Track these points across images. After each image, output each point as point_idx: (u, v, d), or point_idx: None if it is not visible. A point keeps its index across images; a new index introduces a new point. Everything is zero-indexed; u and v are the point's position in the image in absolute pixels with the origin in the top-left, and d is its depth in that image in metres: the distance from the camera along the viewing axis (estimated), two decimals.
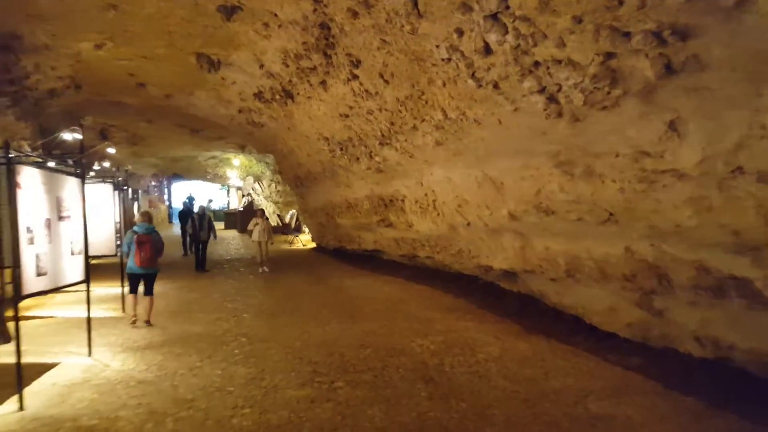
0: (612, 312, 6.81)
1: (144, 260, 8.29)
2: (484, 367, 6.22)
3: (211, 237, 15.37)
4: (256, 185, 30.03)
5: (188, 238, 17.75)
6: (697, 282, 5.10)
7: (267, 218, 15.89)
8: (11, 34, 8.73)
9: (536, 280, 8.17)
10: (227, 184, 38.61)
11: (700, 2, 3.21)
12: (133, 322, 8.40)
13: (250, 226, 15.25)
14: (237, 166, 30.17)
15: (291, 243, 22.86)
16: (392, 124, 7.83)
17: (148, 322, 8.44)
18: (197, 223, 14.92)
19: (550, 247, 6.89)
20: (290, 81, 9.45)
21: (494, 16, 4.32)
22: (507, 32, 4.32)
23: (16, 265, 5.04)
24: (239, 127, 14.79)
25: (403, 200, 10.13)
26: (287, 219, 27.43)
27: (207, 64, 10.05)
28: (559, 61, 4.26)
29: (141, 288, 8.47)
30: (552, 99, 4.67)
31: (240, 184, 34.60)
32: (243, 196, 35.31)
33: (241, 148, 22.87)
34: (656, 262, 5.43)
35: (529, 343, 7.15)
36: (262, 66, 9.54)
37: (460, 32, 4.75)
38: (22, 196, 5.16)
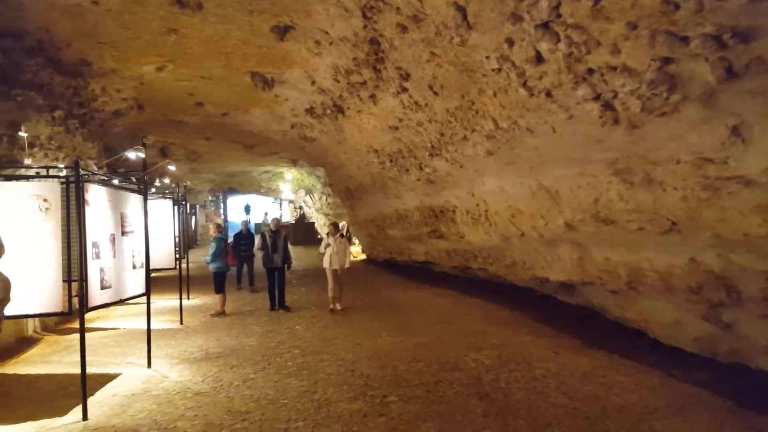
0: (677, 326, 6.51)
1: (237, 261, 10.89)
2: (542, 383, 6.04)
3: (289, 263, 11.02)
4: (308, 198, 30.56)
5: (245, 264, 13.79)
6: None
7: (343, 235, 11.26)
8: (83, 60, 9.27)
9: (596, 293, 7.91)
10: (280, 198, 39.44)
11: (763, 3, 3.06)
12: (221, 315, 10.25)
13: (321, 248, 10.82)
14: (289, 180, 30.83)
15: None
16: (442, 135, 7.81)
17: (222, 313, 10.28)
18: (269, 243, 10.69)
19: (610, 257, 6.67)
20: (341, 96, 9.59)
21: (545, 25, 4.26)
22: (559, 40, 4.25)
23: (83, 278, 5.27)
24: (292, 141, 15.10)
25: (453, 211, 10.06)
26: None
27: (261, 82, 10.35)
28: (614, 68, 4.15)
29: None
30: (608, 106, 4.54)
31: (292, 197, 35.29)
32: (295, 208, 35.97)
33: (293, 162, 23.35)
34: (724, 273, 5.17)
35: (589, 358, 6.91)
36: (313, 82, 9.73)
37: (511, 42, 4.70)
38: (89, 212, 5.42)
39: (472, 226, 9.46)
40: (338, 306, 10.56)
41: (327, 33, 7.57)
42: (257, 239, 11.05)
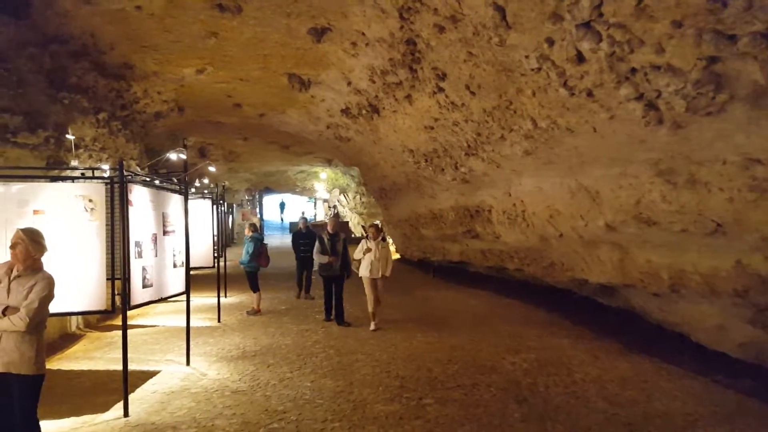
0: (721, 330, 6.31)
1: (268, 261, 10.79)
2: (582, 388, 5.94)
3: (348, 272, 9.66)
4: (342, 197, 30.75)
5: (305, 271, 12.36)
6: None
7: (386, 239, 9.44)
8: (126, 64, 9.55)
9: (637, 295, 7.73)
10: (314, 197, 39.81)
11: None
12: (257, 313, 10.39)
13: (357, 253, 9.16)
14: (324, 179, 31.10)
15: None
16: (478, 134, 7.74)
17: (258, 312, 10.41)
18: (327, 248, 9.39)
19: (652, 260, 6.50)
20: (376, 96, 9.61)
21: (587, 25, 4.17)
22: (601, 40, 4.15)
23: (126, 277, 5.42)
24: (327, 141, 15.21)
25: (489, 211, 9.96)
26: None
27: (298, 83, 10.46)
28: (658, 67, 4.03)
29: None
30: (651, 106, 4.43)
31: (326, 196, 35.57)
32: (329, 207, 36.25)
33: (328, 162, 23.54)
34: None
35: (630, 363, 6.77)
36: (349, 83, 9.77)
37: (551, 42, 4.62)
38: (132, 212, 5.57)
39: (508, 227, 9.34)
40: (374, 324, 8.99)
41: (363, 34, 7.59)
42: (317, 244, 9.53)
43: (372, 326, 8.96)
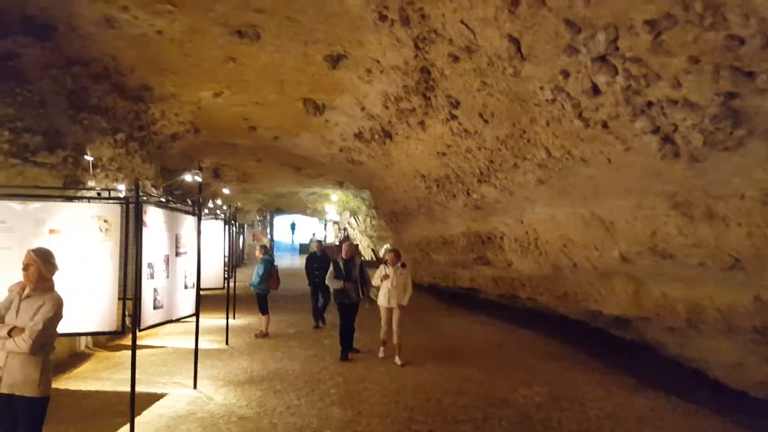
0: (740, 367, 6.16)
1: (278, 283, 10.78)
2: (596, 425, 5.80)
3: (365, 297, 9.02)
4: (352, 220, 30.79)
5: (321, 298, 11.54)
6: None
7: (405, 265, 8.89)
8: (144, 86, 9.71)
9: (652, 328, 7.59)
10: (325, 219, 39.91)
11: None
12: (265, 336, 10.38)
13: (375, 280, 8.67)
14: (335, 201, 31.19)
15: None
16: (491, 162, 7.74)
17: (266, 335, 10.38)
18: (342, 272, 8.79)
19: (668, 293, 6.40)
20: (389, 122, 9.67)
21: (602, 58, 4.18)
22: (617, 73, 4.15)
23: (137, 298, 5.42)
24: (339, 165, 15.29)
25: (501, 238, 9.90)
26: (382, 253, 27.74)
27: (313, 108, 10.57)
28: (675, 102, 4.02)
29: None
30: (667, 139, 4.40)
31: (337, 218, 35.64)
32: (339, 230, 36.29)
33: (340, 185, 23.64)
34: None
35: (646, 399, 6.62)
36: (363, 108, 9.86)
37: (566, 74, 4.63)
38: (146, 233, 5.59)
39: (520, 254, 9.27)
40: (398, 360, 8.30)
41: (378, 62, 7.68)
42: (330, 269, 8.92)
43: (381, 353, 8.67)
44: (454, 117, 7.49)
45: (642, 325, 7.85)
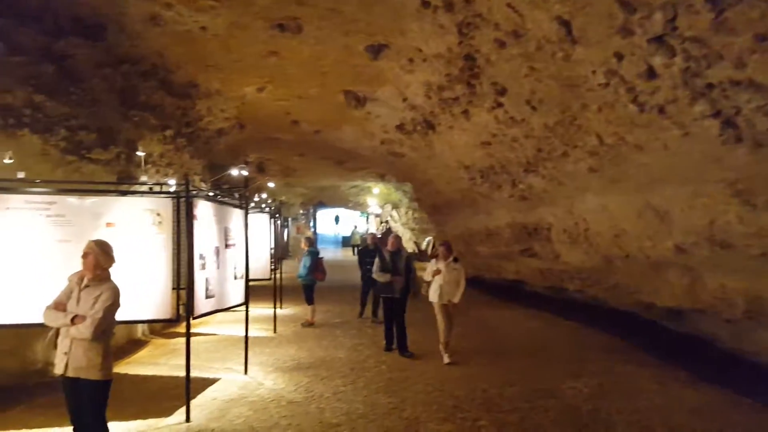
0: None
1: (324, 275, 10.99)
2: (646, 417, 5.64)
3: (411, 291, 8.73)
4: (394, 212, 30.80)
5: (369, 290, 11.09)
6: None
7: (457, 259, 8.41)
8: (191, 83, 9.94)
9: (707, 321, 7.32)
10: (367, 212, 40.06)
11: None
12: (311, 325, 10.55)
13: (427, 275, 8.21)
14: (376, 194, 31.24)
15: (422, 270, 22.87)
16: (539, 150, 7.58)
17: (312, 324, 10.54)
18: (389, 265, 8.46)
19: (726, 284, 6.15)
20: (432, 112, 9.60)
21: (659, 39, 4.02)
22: (674, 55, 4.00)
23: (190, 287, 5.58)
24: (380, 157, 15.30)
25: (549, 229, 9.70)
26: (423, 246, 27.67)
27: (354, 100, 10.59)
28: (738, 83, 3.84)
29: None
30: (729, 123, 4.21)
31: (379, 211, 35.72)
32: (381, 222, 36.36)
33: (381, 177, 23.64)
34: None
35: (699, 393, 6.39)
36: (405, 99, 9.81)
37: (620, 56, 4.49)
38: (197, 226, 5.74)
39: (569, 246, 9.07)
40: (445, 358, 7.81)
41: (420, 50, 7.61)
42: (377, 261, 8.59)
43: (445, 359, 7.78)
44: (499, 105, 7.36)
45: (696, 318, 7.59)
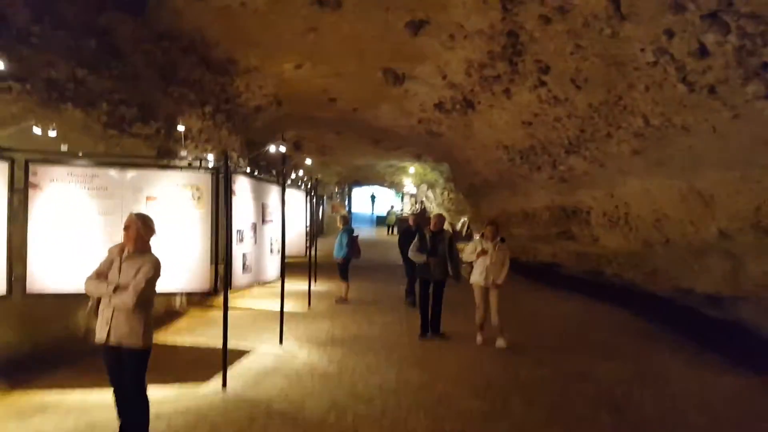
0: None
1: (359, 253, 11.19)
2: (681, 402, 5.56)
3: (453, 275, 8.16)
4: (429, 193, 30.66)
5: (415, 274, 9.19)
6: None
7: (504, 239, 7.89)
8: (230, 59, 10.01)
9: (748, 308, 7.10)
10: (402, 191, 40.01)
11: None
12: (345, 302, 10.72)
13: (468, 255, 7.84)
14: (412, 174, 31.13)
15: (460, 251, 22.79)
16: (582, 131, 7.39)
17: (346, 301, 10.74)
18: (427, 245, 8.01)
19: None
20: (472, 90, 9.45)
21: (713, 15, 3.84)
22: (729, 32, 3.82)
23: (228, 261, 5.70)
24: (417, 137, 15.20)
25: (588, 212, 9.51)
26: (458, 226, 27.53)
27: (392, 78, 10.50)
28: None
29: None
30: None
31: (414, 191, 35.63)
32: (416, 203, 36.29)
33: (417, 157, 23.51)
34: None
35: (737, 380, 6.26)
36: (444, 77, 9.67)
37: (671, 34, 4.31)
38: (235, 201, 5.84)
39: (608, 229, 8.88)
40: (502, 343, 7.48)
41: (462, 26, 7.47)
42: (415, 240, 8.15)
43: (479, 339, 7.68)
44: (542, 83, 7.19)
45: (737, 305, 7.36)
